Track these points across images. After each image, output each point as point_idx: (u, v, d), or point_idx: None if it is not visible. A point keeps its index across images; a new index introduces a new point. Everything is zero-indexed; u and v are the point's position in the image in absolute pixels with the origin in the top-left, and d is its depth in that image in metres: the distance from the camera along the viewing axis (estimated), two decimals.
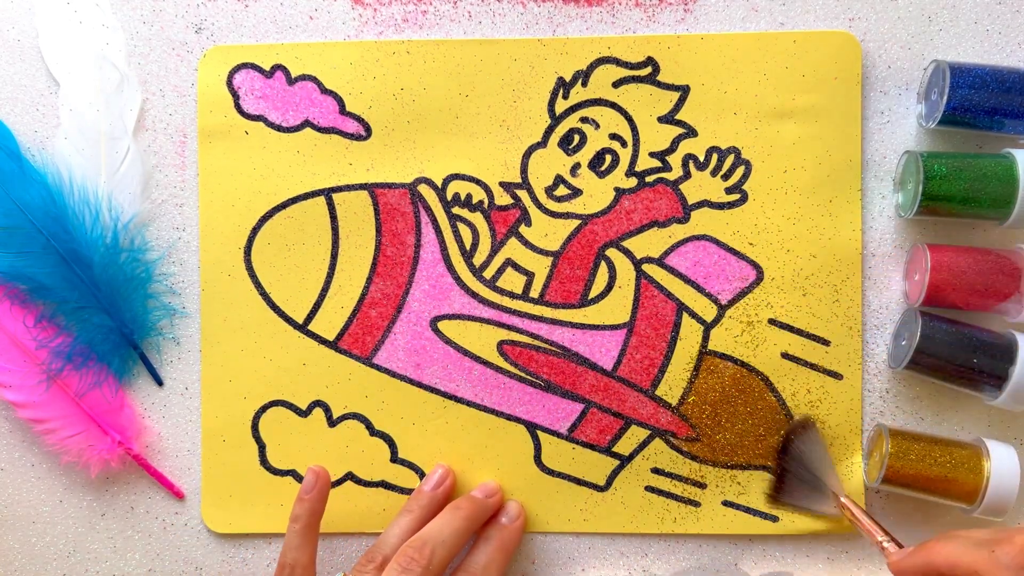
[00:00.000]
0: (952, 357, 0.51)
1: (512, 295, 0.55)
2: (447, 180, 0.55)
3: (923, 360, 0.51)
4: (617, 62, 0.55)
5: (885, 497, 0.54)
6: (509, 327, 0.55)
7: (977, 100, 0.51)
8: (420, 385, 0.55)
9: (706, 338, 0.55)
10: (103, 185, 0.55)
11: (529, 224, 0.55)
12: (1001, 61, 0.54)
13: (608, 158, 0.55)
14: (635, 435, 0.55)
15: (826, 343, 0.54)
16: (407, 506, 0.53)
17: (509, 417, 0.55)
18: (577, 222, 0.55)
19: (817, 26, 0.54)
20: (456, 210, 0.55)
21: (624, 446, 0.55)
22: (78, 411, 0.55)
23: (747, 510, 0.54)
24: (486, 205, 0.55)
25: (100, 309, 0.55)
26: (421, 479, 0.55)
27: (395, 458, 0.55)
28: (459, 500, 0.52)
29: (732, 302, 0.55)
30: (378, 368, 0.55)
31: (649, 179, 0.55)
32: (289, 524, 0.51)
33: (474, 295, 0.55)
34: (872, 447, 0.54)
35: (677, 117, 0.54)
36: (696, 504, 0.55)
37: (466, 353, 0.55)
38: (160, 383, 0.56)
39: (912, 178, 0.52)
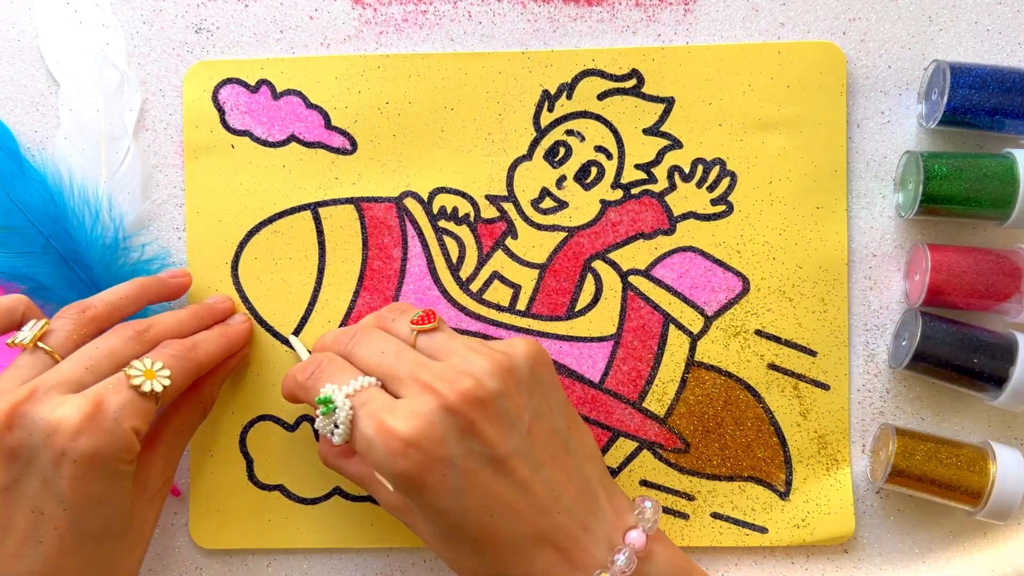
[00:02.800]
0: (952, 357, 0.51)
1: (499, 308, 0.55)
2: (433, 193, 0.55)
3: (923, 360, 0.52)
4: (602, 74, 0.54)
5: (887, 497, 0.54)
6: (496, 340, 0.55)
7: (977, 100, 0.51)
8: None
9: (693, 350, 0.55)
10: (103, 185, 0.55)
11: (515, 237, 0.55)
12: (1001, 61, 0.54)
13: (594, 170, 0.55)
14: (623, 447, 0.55)
15: (813, 353, 0.54)
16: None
17: None
18: (563, 234, 0.55)
19: (817, 26, 0.54)
20: (442, 223, 0.55)
21: (612, 458, 0.55)
22: None
23: (736, 522, 0.54)
24: (472, 218, 0.55)
25: None
26: None
27: None
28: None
29: (719, 313, 0.55)
30: None
31: (635, 191, 0.55)
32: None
33: (461, 308, 0.55)
34: (878, 446, 0.54)
35: (662, 129, 0.54)
36: (685, 516, 0.55)
37: None
38: None
39: (912, 178, 0.52)
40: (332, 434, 0.45)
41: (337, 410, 0.44)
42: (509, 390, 0.44)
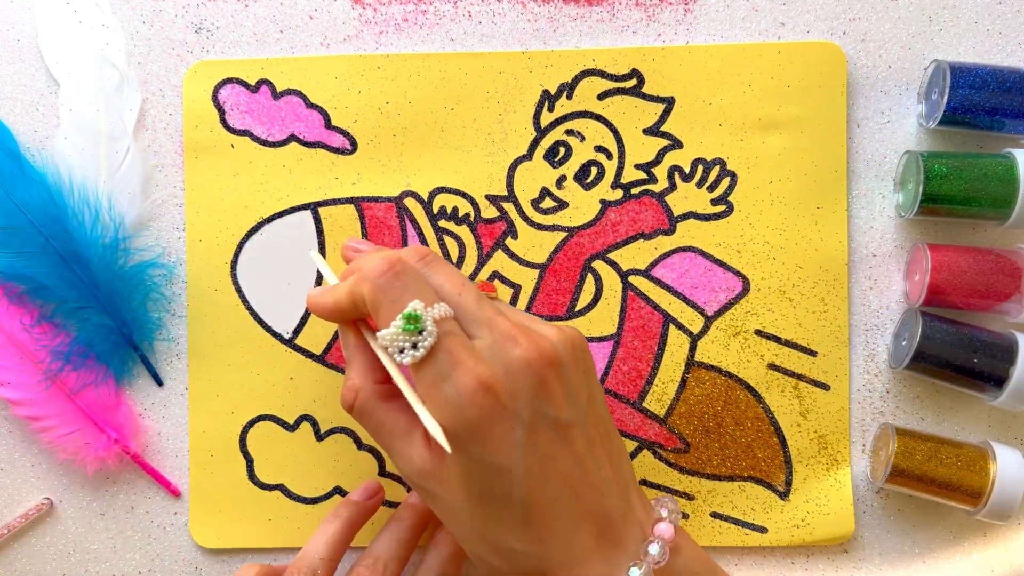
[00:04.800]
0: (953, 357, 0.51)
1: None
2: (433, 193, 0.55)
3: (924, 360, 0.52)
4: (602, 74, 0.54)
5: (887, 497, 0.55)
6: None
7: (977, 100, 0.51)
8: None
9: (693, 350, 0.55)
10: (103, 185, 0.55)
11: (515, 237, 0.55)
12: (1001, 61, 0.54)
13: (594, 170, 0.55)
14: None
15: (813, 354, 0.54)
16: (334, 512, 0.51)
17: None
18: (563, 234, 0.55)
19: (817, 26, 0.54)
20: (442, 223, 0.55)
21: None
22: (74, 408, 0.55)
23: (736, 522, 0.55)
24: (472, 218, 0.55)
25: (100, 309, 0.55)
26: (408, 492, 0.55)
27: (382, 472, 0.56)
28: (399, 511, 0.52)
29: (719, 313, 0.54)
30: None
31: (635, 191, 0.55)
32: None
33: None
34: (878, 446, 0.54)
35: (662, 129, 0.54)
36: (684, 516, 0.55)
37: None
38: (160, 383, 0.56)
39: (912, 178, 0.52)
40: (402, 351, 0.41)
41: (424, 332, 0.41)
42: (575, 362, 0.44)
